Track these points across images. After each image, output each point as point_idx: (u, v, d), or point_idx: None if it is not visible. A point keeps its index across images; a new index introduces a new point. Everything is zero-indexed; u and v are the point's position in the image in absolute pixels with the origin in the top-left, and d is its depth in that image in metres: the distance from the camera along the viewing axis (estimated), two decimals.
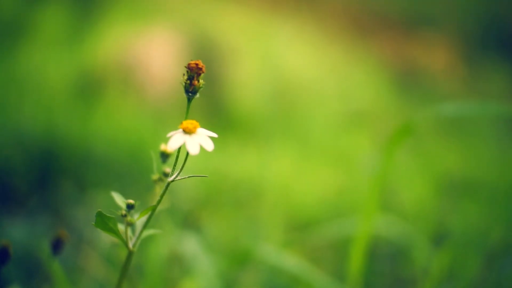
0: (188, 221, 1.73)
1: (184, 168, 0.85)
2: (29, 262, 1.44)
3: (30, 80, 2.52)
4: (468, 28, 5.32)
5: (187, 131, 0.81)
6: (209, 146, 0.80)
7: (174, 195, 1.79)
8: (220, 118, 3.03)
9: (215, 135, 0.82)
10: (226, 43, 3.59)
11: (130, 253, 0.89)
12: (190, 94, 0.84)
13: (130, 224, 0.87)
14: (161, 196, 0.85)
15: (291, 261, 1.38)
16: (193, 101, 0.86)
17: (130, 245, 0.88)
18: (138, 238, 0.89)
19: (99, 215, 0.84)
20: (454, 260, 1.53)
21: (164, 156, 0.95)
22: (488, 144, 3.16)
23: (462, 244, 1.75)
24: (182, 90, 0.84)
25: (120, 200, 0.88)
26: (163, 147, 0.95)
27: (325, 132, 3.23)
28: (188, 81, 0.84)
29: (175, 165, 0.85)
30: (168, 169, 0.93)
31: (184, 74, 0.84)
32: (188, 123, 0.81)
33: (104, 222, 0.85)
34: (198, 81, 0.84)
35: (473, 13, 5.45)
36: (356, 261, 1.33)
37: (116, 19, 3.40)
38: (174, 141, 0.79)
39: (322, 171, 2.68)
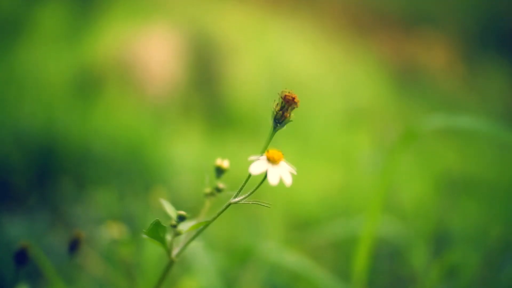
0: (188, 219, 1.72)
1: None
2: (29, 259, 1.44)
3: (29, 78, 2.51)
4: (467, 26, 5.32)
5: (271, 160, 0.81)
6: (289, 181, 0.80)
7: (174, 193, 1.79)
8: (220, 116, 3.03)
9: (295, 172, 0.82)
10: (225, 41, 3.58)
11: (171, 262, 0.89)
12: (278, 124, 0.84)
13: (179, 234, 0.87)
14: (219, 214, 0.85)
15: (292, 259, 1.38)
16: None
17: (173, 254, 0.88)
18: (183, 248, 0.89)
19: (156, 224, 0.84)
20: (453, 259, 1.53)
21: (220, 171, 0.94)
22: (488, 142, 3.16)
23: (462, 243, 1.74)
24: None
25: (171, 210, 0.88)
26: (219, 162, 0.94)
27: (325, 130, 3.22)
28: (281, 112, 0.83)
29: (241, 188, 0.83)
30: (221, 185, 0.93)
31: (277, 104, 0.83)
32: (274, 153, 0.81)
33: (157, 231, 0.85)
34: (290, 114, 0.84)
35: (472, 12, 5.45)
36: (360, 260, 1.33)
37: (115, 16, 3.40)
38: (257, 167, 0.79)
39: (322, 170, 2.68)
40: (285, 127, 0.84)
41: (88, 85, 2.71)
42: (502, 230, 1.78)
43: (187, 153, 2.42)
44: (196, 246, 0.96)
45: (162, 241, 0.86)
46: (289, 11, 5.03)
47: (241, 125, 3.04)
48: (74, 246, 1.04)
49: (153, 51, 3.23)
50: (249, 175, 0.82)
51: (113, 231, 1.30)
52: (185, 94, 2.98)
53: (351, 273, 1.34)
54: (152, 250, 1.38)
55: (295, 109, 0.84)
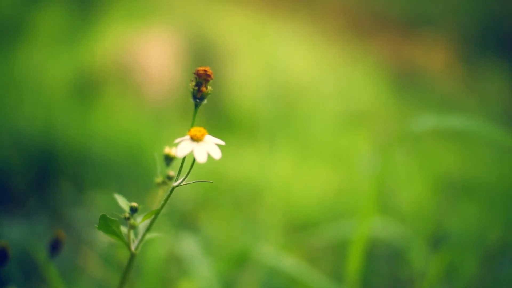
0: (186, 222, 1.73)
1: (186, 171, 0.85)
2: (27, 262, 1.44)
3: (28, 80, 2.52)
4: (466, 28, 5.32)
5: (194, 139, 0.81)
6: (217, 154, 0.80)
7: (172, 196, 1.79)
8: (219, 118, 3.03)
9: (222, 142, 0.82)
10: (225, 43, 3.59)
11: (132, 256, 0.89)
12: (197, 100, 0.85)
13: (133, 227, 0.87)
14: (165, 200, 0.85)
15: (289, 262, 1.38)
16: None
17: (133, 247, 0.89)
18: (140, 241, 0.89)
19: (103, 218, 0.84)
20: (451, 261, 1.54)
21: (168, 159, 0.95)
22: (487, 144, 3.16)
23: (460, 244, 1.75)
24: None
25: (123, 202, 0.88)
26: (167, 150, 0.95)
27: (324, 132, 3.23)
28: (196, 88, 0.84)
29: (180, 171, 0.85)
30: (172, 173, 0.94)
31: (192, 80, 0.84)
32: (196, 131, 0.81)
33: (108, 225, 0.85)
34: (206, 87, 0.84)
35: (471, 14, 5.45)
36: (354, 262, 1.33)
37: (115, 19, 3.40)
38: (182, 148, 0.79)
39: (321, 172, 2.68)
40: (205, 101, 0.85)
41: (87, 88, 2.71)
42: (501, 232, 1.79)
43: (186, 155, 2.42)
44: (154, 238, 0.96)
45: (117, 234, 0.86)
46: (288, 13, 5.03)
47: (240, 127, 3.04)
48: (55, 246, 1.05)
49: (152, 53, 3.23)
50: (183, 158, 0.82)
51: None
52: (183, 97, 2.98)
53: (345, 275, 1.35)
54: (151, 251, 1.38)
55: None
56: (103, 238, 1.39)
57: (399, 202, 2.12)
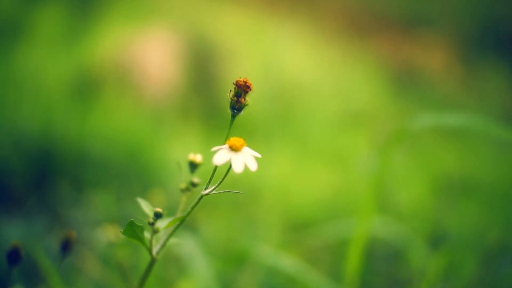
0: (185, 221, 1.73)
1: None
2: (26, 262, 1.44)
3: (27, 80, 2.52)
4: (466, 28, 5.32)
5: (233, 148, 0.81)
6: (253, 166, 0.80)
7: (172, 195, 1.79)
8: (217, 118, 3.03)
9: (259, 155, 0.82)
10: (224, 43, 3.59)
11: (152, 260, 0.89)
12: (235, 111, 0.84)
13: (156, 232, 0.87)
14: (192, 208, 0.85)
15: (287, 262, 1.38)
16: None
17: (154, 252, 0.88)
18: (162, 246, 0.89)
19: (130, 224, 0.84)
20: (450, 261, 1.54)
21: (193, 166, 0.95)
22: (486, 144, 3.16)
23: (459, 244, 1.75)
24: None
25: (147, 208, 0.88)
26: (192, 156, 0.95)
27: (323, 132, 3.23)
28: (235, 98, 0.84)
29: (211, 179, 0.84)
30: (196, 179, 0.93)
31: (230, 91, 0.84)
32: (236, 141, 0.81)
33: (133, 230, 0.85)
34: (245, 98, 0.84)
35: (471, 14, 5.46)
36: (353, 261, 1.33)
37: (114, 19, 3.40)
38: (220, 156, 0.80)
39: (320, 172, 2.68)
40: (242, 112, 0.85)
41: (87, 88, 2.71)
42: (500, 232, 1.79)
43: (185, 155, 2.42)
44: (177, 243, 0.96)
45: (141, 239, 0.87)
46: (287, 13, 5.03)
47: (238, 127, 3.04)
48: (66, 246, 1.05)
49: (151, 53, 3.23)
50: (216, 166, 0.82)
51: (110, 233, 1.31)
52: (183, 97, 2.98)
53: (344, 275, 1.35)
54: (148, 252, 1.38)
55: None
56: (101, 238, 1.39)
57: (398, 201, 2.13)
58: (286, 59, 3.98)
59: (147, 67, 3.17)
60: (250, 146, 0.84)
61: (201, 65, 3.27)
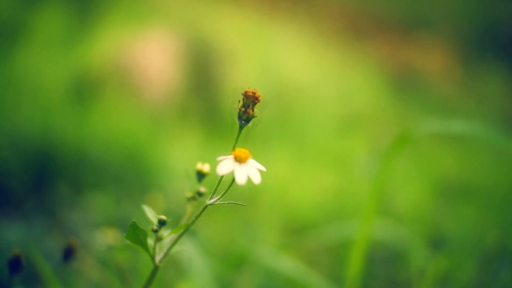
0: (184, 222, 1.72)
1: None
2: (25, 264, 1.44)
3: (26, 82, 2.51)
4: (465, 31, 5.33)
5: (238, 159, 0.81)
6: (257, 179, 0.79)
7: (170, 198, 1.79)
8: (217, 121, 3.03)
9: (264, 169, 0.82)
10: (223, 45, 3.59)
11: (155, 268, 0.88)
12: (243, 122, 0.83)
13: (160, 240, 0.86)
14: (197, 217, 0.84)
15: (287, 264, 1.38)
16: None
17: (157, 260, 0.88)
18: (166, 254, 0.88)
19: (132, 226, 0.83)
20: (449, 263, 1.54)
21: (200, 175, 0.94)
22: (485, 147, 3.17)
23: (458, 247, 1.75)
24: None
25: (152, 215, 0.87)
26: (199, 166, 0.94)
27: (322, 134, 3.23)
28: (243, 109, 0.83)
29: (216, 189, 0.83)
30: (202, 189, 0.93)
31: (239, 101, 0.83)
32: (241, 152, 0.81)
33: (136, 234, 0.84)
34: (253, 110, 0.83)
35: (470, 16, 5.46)
36: (354, 264, 1.33)
37: (113, 21, 3.40)
38: (224, 166, 0.79)
39: (319, 174, 2.68)
40: (250, 123, 0.84)
41: (86, 90, 2.71)
42: (498, 235, 1.79)
43: (184, 157, 2.42)
44: (180, 251, 0.95)
45: (144, 246, 0.85)
46: (286, 15, 5.03)
47: (236, 129, 3.03)
48: (68, 253, 1.05)
49: (150, 55, 3.23)
50: (222, 176, 0.82)
51: (108, 236, 1.30)
52: (182, 99, 2.98)
53: (345, 277, 1.35)
54: (147, 255, 1.38)
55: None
56: (100, 241, 1.38)
57: (398, 204, 2.12)
58: (285, 61, 3.98)
59: (146, 69, 3.17)
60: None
61: (200, 67, 3.27)
